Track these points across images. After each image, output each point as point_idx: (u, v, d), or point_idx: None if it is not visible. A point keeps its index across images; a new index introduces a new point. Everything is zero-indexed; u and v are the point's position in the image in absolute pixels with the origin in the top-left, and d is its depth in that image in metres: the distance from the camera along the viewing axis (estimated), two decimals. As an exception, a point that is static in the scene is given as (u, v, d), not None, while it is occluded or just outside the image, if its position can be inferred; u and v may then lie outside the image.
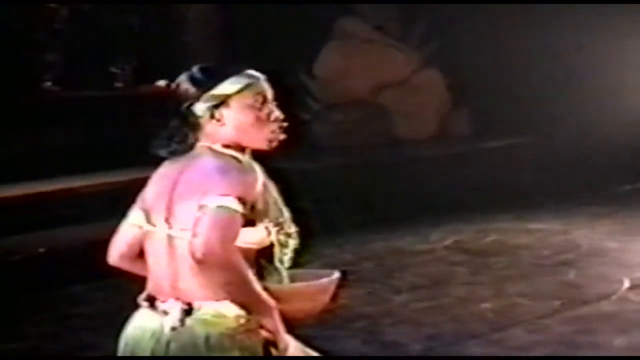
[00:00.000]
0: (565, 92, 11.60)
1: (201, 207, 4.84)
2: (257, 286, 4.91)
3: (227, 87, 5.12)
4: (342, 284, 5.44)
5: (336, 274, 5.43)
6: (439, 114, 12.83)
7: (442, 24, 12.66)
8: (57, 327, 8.25)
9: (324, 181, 10.51)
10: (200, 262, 4.80)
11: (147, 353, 5.26)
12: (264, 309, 4.89)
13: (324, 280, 5.34)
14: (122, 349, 5.34)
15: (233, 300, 4.99)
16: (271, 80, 5.12)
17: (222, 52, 11.14)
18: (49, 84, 12.09)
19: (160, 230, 5.11)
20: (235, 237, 4.91)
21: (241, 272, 4.92)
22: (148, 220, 5.18)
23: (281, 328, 4.92)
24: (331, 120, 12.00)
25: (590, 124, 11.72)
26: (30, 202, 9.90)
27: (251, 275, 5.04)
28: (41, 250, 9.27)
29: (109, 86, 11.54)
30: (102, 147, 8.79)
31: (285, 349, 5.05)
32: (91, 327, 6.77)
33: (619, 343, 7.65)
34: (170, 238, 5.06)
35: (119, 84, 11.39)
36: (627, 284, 8.82)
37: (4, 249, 9.37)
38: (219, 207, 4.81)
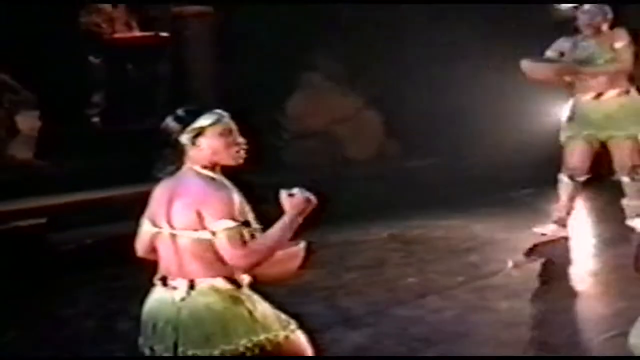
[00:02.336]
0: (479, 119, 11.47)
1: (213, 233, 5.04)
2: (273, 239, 5.07)
3: (203, 121, 5.22)
4: (307, 252, 5.51)
5: (302, 244, 5.54)
6: (376, 141, 12.81)
7: (381, 73, 12.52)
8: (99, 297, 8.28)
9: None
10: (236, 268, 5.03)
11: (164, 318, 5.34)
12: (283, 242, 5.14)
13: (294, 247, 5.44)
14: (145, 314, 5.43)
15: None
16: (241, 116, 5.24)
17: (217, 96, 11.10)
18: (95, 119, 12.01)
19: (164, 231, 5.23)
20: (245, 241, 5.06)
21: (260, 256, 5.08)
22: (154, 224, 5.30)
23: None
24: (298, 146, 12.02)
25: (496, 144, 11.59)
26: (81, 206, 9.94)
27: (261, 243, 5.14)
28: (88, 241, 9.32)
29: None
30: (128, 169, 8.78)
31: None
32: (123, 297, 6.77)
33: (504, 306, 7.75)
34: (172, 235, 5.19)
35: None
36: (511, 264, 8.88)
37: (62, 240, 9.43)
38: (226, 230, 5.01)
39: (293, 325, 5.56)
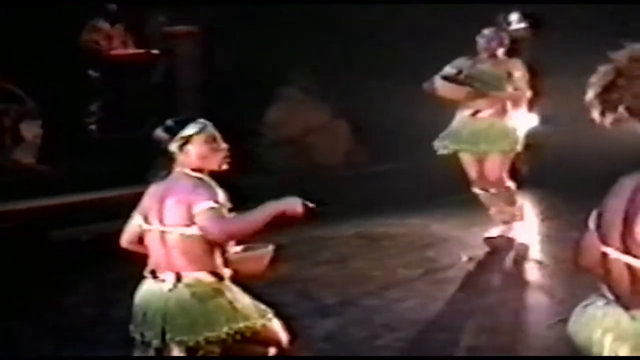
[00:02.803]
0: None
1: (197, 214, 5.07)
2: (253, 217, 5.08)
3: (189, 130, 5.26)
4: (275, 255, 5.56)
5: (270, 247, 5.62)
6: (345, 148, 12.83)
7: (350, 86, 12.52)
8: (96, 288, 8.28)
9: (270, 190, 10.49)
10: (216, 240, 5.11)
11: (153, 307, 5.38)
12: (259, 224, 5.07)
13: (263, 250, 5.52)
14: (136, 303, 5.46)
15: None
16: (225, 125, 5.31)
17: (203, 107, 11.10)
18: (93, 127, 11.99)
19: (155, 228, 5.27)
20: (226, 221, 5.12)
21: (237, 229, 5.13)
22: (146, 221, 5.33)
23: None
24: (275, 152, 12.03)
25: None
26: (79, 206, 9.95)
27: (242, 220, 5.18)
28: (86, 237, 9.33)
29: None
30: (122, 172, 8.78)
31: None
32: (117, 288, 6.79)
33: (459, 296, 7.81)
34: (162, 232, 5.23)
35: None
36: (465, 258, 8.92)
37: (62, 237, 9.45)
38: (209, 209, 5.03)
39: (269, 314, 5.60)
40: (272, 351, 5.75)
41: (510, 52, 9.27)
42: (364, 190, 9.06)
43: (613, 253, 3.39)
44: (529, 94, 9.30)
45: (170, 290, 5.35)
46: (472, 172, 9.32)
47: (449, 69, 9.08)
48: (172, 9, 12.40)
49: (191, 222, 5.24)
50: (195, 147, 5.38)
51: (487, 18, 9.58)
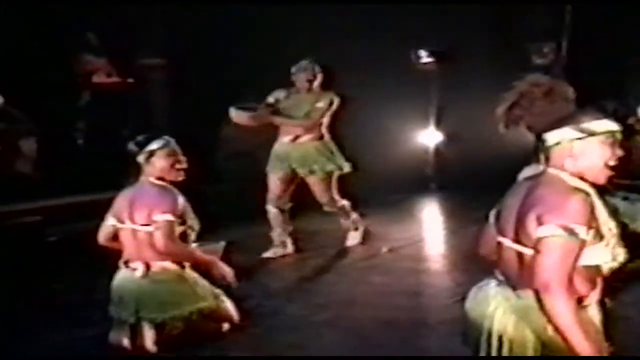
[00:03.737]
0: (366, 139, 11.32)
1: (156, 221, 5.06)
2: (191, 252, 5.13)
3: (154, 145, 5.24)
4: (228, 249, 5.52)
5: (222, 243, 5.63)
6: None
7: None
8: (81, 276, 8.15)
9: (227, 195, 10.42)
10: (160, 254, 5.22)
11: (127, 291, 5.33)
12: (198, 259, 5.44)
13: (216, 245, 5.53)
14: (113, 288, 5.41)
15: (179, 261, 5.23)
16: (188, 140, 5.31)
17: (171, 126, 11.01)
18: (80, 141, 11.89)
19: (127, 226, 5.23)
20: (173, 235, 5.15)
21: (177, 255, 5.14)
22: (119, 221, 5.29)
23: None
24: (229, 164, 11.90)
25: (375, 159, 11.53)
26: (67, 207, 9.85)
27: (184, 249, 5.18)
28: (72, 233, 9.20)
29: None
30: (104, 179, 8.67)
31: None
32: (99, 275, 6.67)
33: (379, 280, 7.82)
34: (133, 230, 5.19)
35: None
36: (384, 249, 8.90)
37: (53, 233, 9.35)
38: (166, 222, 5.05)
39: (222, 295, 5.57)
40: (225, 326, 5.71)
41: (324, 85, 8.61)
42: (303, 194, 8.97)
43: (507, 242, 3.45)
44: (325, 121, 8.59)
45: (141, 277, 5.33)
46: (276, 190, 8.68)
47: (269, 99, 8.59)
48: (146, 44, 12.30)
49: (152, 223, 5.23)
50: (158, 160, 5.36)
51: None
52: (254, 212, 9.09)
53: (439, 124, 12.77)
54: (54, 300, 7.51)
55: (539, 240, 3.22)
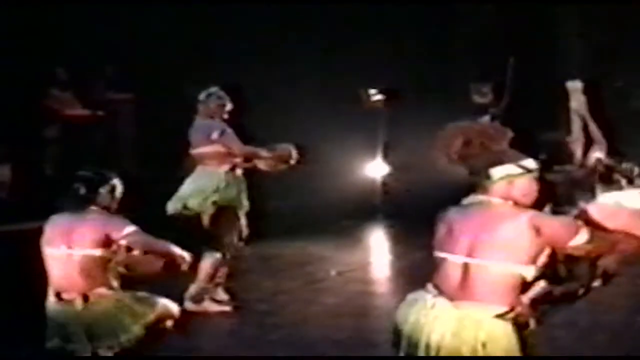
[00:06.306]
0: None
1: (126, 234, 5.02)
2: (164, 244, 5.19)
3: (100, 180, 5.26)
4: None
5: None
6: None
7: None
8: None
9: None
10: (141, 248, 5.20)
11: (73, 325, 5.19)
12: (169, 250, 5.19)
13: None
14: (52, 324, 5.28)
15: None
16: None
17: (136, 156, 11.00)
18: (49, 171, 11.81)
19: (62, 252, 5.13)
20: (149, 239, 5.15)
21: (157, 248, 5.14)
22: (50, 246, 5.21)
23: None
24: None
25: (328, 188, 11.59)
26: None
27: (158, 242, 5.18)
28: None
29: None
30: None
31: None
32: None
33: (330, 301, 7.89)
34: (68, 255, 5.11)
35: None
36: (334, 272, 8.96)
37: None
38: (135, 230, 5.02)
39: (155, 297, 5.42)
40: (169, 323, 5.51)
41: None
42: (256, 221, 8.97)
43: (453, 258, 3.69)
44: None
45: (82, 309, 5.22)
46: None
47: None
48: (114, 78, 12.33)
49: (103, 246, 5.15)
50: (106, 194, 5.35)
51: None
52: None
53: (385, 157, 12.92)
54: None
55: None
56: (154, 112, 11.66)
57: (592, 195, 5.47)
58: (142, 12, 11.51)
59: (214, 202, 7.39)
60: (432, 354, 3.60)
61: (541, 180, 3.82)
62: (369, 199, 12.76)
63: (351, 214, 11.97)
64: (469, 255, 3.65)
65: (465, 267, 3.64)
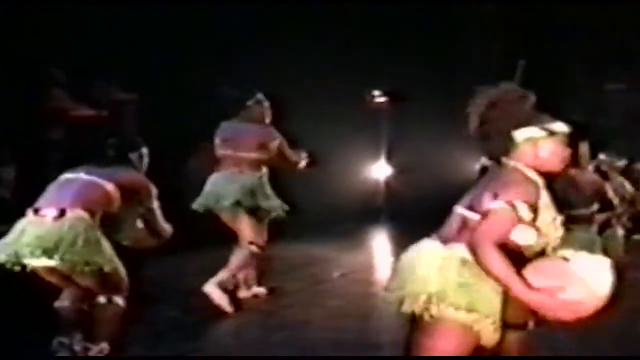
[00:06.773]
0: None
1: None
2: None
3: None
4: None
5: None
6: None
7: None
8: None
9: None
10: None
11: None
12: None
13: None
14: None
15: None
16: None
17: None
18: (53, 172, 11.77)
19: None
20: None
21: None
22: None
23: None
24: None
25: (330, 192, 11.55)
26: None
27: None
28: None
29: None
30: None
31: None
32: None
33: (331, 303, 7.83)
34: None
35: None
36: (336, 274, 8.96)
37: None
38: None
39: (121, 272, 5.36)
40: (120, 301, 5.37)
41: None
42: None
43: (459, 209, 3.72)
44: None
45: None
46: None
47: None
48: (119, 79, 12.32)
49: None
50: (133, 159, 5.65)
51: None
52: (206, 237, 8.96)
53: (389, 159, 12.89)
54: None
55: (488, 210, 3.53)
56: (157, 112, 11.64)
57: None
58: (142, 13, 11.50)
59: (246, 206, 7.43)
60: (420, 285, 3.60)
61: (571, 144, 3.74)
62: (372, 201, 12.73)
63: (355, 216, 11.96)
64: (469, 208, 3.68)
65: (464, 218, 3.68)
